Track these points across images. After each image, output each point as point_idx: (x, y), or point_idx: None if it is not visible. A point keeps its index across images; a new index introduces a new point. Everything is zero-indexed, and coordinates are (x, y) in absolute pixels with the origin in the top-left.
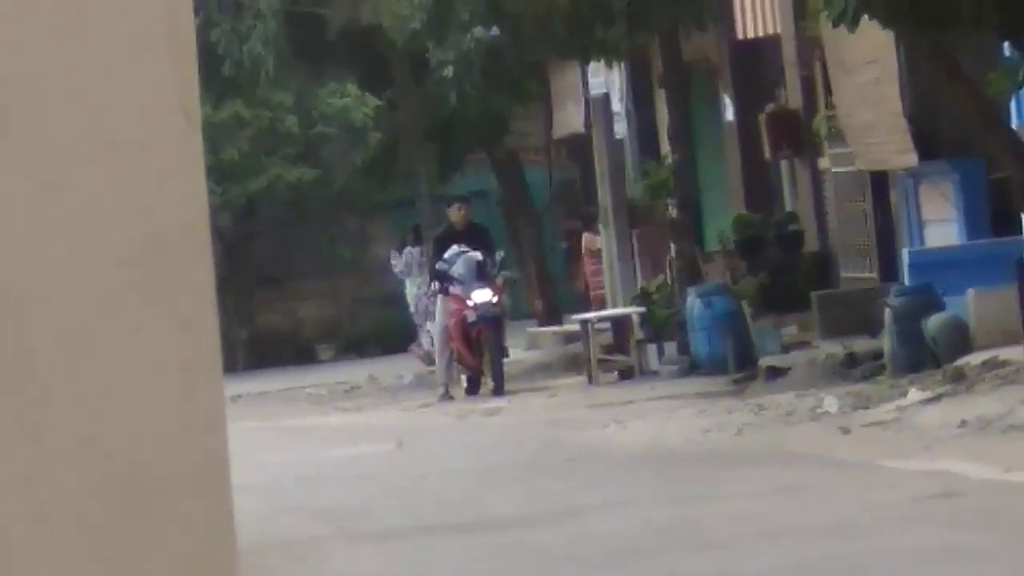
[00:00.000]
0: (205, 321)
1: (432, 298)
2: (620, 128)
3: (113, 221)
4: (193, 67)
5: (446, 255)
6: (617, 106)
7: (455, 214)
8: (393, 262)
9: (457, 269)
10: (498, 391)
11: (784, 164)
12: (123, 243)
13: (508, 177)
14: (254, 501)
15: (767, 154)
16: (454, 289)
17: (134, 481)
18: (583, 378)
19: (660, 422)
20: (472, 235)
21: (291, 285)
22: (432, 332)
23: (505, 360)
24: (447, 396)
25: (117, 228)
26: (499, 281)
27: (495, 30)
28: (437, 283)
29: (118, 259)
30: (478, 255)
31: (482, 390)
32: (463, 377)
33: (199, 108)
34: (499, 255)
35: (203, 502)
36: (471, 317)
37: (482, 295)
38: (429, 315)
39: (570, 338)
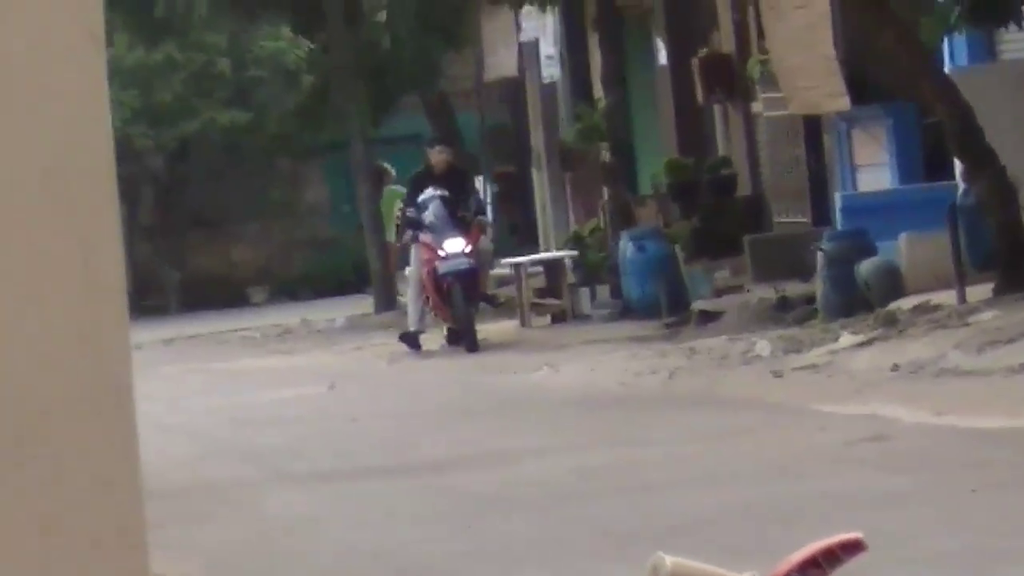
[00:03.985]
0: (108, 245)
1: (406, 245)
2: (553, 72)
3: (16, 143)
4: None
5: (420, 198)
6: (550, 50)
7: (435, 157)
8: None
9: (428, 215)
10: (470, 346)
11: (717, 108)
12: (26, 166)
13: (440, 121)
14: (186, 443)
15: (700, 98)
16: (424, 237)
17: (30, 406)
18: (515, 321)
19: (592, 366)
20: (451, 179)
21: (224, 228)
22: (409, 278)
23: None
24: (415, 344)
25: (20, 151)
26: (475, 228)
27: None
28: (409, 231)
29: (19, 181)
30: (449, 197)
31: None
32: (445, 327)
33: (103, 31)
34: (475, 198)
35: (105, 429)
36: (441, 269)
37: (454, 245)
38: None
39: (502, 282)
